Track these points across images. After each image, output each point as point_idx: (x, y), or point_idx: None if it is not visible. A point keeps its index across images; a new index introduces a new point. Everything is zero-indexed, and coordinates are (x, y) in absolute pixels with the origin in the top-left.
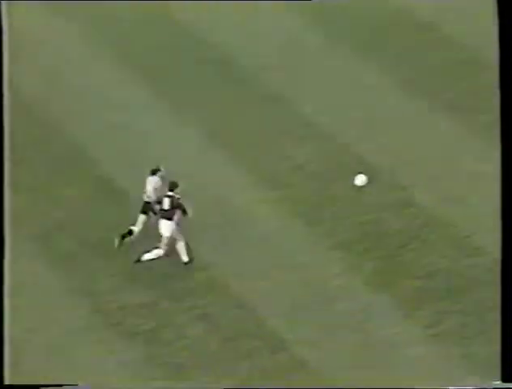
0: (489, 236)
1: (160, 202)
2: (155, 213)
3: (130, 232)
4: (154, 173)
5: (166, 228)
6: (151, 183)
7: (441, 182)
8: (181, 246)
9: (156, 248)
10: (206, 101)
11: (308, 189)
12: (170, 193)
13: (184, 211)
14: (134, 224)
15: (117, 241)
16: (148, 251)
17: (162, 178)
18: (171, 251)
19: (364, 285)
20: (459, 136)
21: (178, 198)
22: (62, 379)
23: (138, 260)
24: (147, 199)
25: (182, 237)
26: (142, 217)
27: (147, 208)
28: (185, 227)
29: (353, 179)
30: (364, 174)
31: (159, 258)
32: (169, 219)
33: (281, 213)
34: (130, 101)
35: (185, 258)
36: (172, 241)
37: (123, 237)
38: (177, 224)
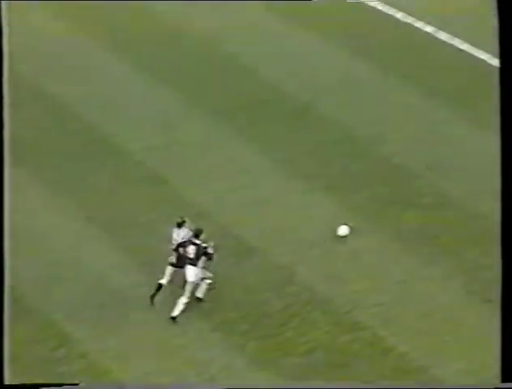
0: (369, 310)
1: (184, 247)
2: (181, 266)
3: (160, 287)
4: (180, 225)
5: (191, 274)
6: (180, 236)
7: (322, 259)
8: (202, 288)
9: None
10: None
11: None
12: (196, 240)
13: (209, 258)
14: (162, 278)
15: (150, 301)
16: (175, 304)
17: (188, 230)
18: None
19: (247, 364)
20: None
21: (204, 247)
22: (62, 379)
23: (173, 318)
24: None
25: (206, 280)
26: (169, 269)
27: (178, 261)
28: None
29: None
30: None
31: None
32: (194, 265)
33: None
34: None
35: (199, 295)
36: (195, 286)
37: (153, 295)
38: (202, 270)
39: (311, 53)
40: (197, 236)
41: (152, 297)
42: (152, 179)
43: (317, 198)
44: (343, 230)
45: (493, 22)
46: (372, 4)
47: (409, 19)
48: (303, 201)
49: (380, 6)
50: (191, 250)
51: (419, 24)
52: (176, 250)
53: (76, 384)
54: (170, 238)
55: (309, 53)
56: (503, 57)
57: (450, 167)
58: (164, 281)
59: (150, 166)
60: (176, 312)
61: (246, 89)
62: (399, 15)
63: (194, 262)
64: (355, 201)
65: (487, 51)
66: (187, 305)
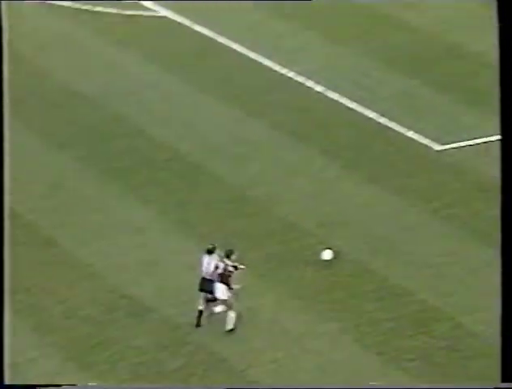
0: (264, 367)
1: (216, 267)
2: (211, 292)
3: (201, 314)
4: (210, 252)
5: (222, 291)
6: (211, 263)
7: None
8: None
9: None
10: None
11: None
12: (227, 261)
13: (235, 268)
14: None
15: (196, 326)
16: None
17: (218, 256)
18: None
19: None
20: None
21: (234, 266)
22: (61, 380)
23: (231, 330)
24: (206, 276)
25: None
26: (203, 295)
27: (205, 285)
28: None
29: None
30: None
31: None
32: (225, 283)
33: None
34: None
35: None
36: (228, 304)
37: (198, 321)
38: (232, 289)
39: (204, 112)
40: (228, 256)
41: (197, 323)
42: (43, 241)
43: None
44: (327, 254)
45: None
46: (266, 63)
47: (300, 78)
48: (197, 259)
49: (273, 65)
50: (221, 267)
51: (309, 83)
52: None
53: (74, 385)
54: (200, 264)
55: (202, 112)
56: (503, 55)
57: (343, 223)
58: (201, 307)
59: (40, 227)
60: (230, 326)
61: (139, 148)
62: (291, 74)
63: (224, 280)
64: (250, 260)
65: (375, 110)
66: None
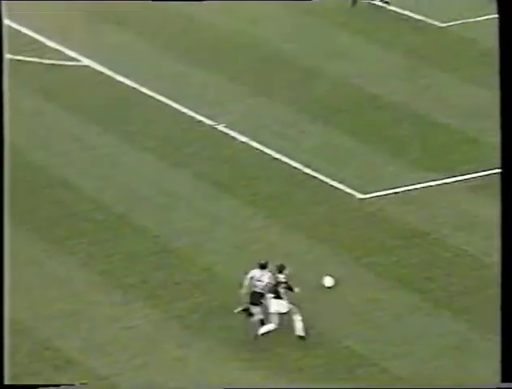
0: None
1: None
2: (260, 304)
3: (251, 314)
4: (263, 267)
5: (276, 306)
6: (264, 277)
7: (143, 369)
8: (297, 319)
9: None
10: None
11: None
12: (279, 275)
13: (290, 289)
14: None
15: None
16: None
17: (271, 271)
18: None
19: None
20: None
21: (285, 282)
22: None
23: (302, 336)
24: (257, 290)
25: (295, 311)
26: (255, 310)
27: (255, 299)
28: None
29: None
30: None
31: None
32: (278, 297)
33: None
34: None
35: (299, 333)
36: (285, 317)
37: (246, 310)
38: (286, 301)
39: (128, 163)
40: (280, 271)
41: (256, 336)
42: None
43: (137, 309)
44: (328, 281)
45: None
46: (190, 113)
47: (224, 129)
48: (123, 312)
49: (197, 116)
50: (272, 284)
51: (233, 134)
52: (257, 293)
53: (72, 384)
54: (251, 279)
55: (125, 163)
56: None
57: None
58: (261, 316)
59: None
60: (301, 332)
61: (62, 200)
62: (215, 124)
63: (277, 294)
64: (175, 311)
65: (299, 160)
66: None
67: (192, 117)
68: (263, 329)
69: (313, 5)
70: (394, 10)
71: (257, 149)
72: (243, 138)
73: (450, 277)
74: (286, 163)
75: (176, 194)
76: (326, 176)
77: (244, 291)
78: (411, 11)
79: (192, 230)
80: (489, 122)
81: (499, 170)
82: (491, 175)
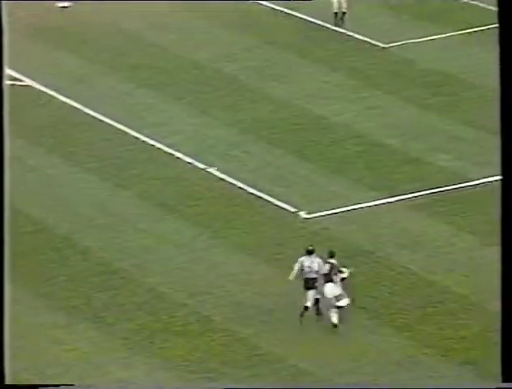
0: None
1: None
2: (314, 288)
3: (306, 309)
4: (311, 252)
5: (330, 290)
6: (314, 263)
7: None
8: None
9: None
10: None
11: None
12: (330, 260)
13: (340, 272)
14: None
15: (300, 321)
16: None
17: (319, 256)
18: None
19: None
20: None
21: (337, 266)
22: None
23: (335, 325)
24: (310, 276)
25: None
26: (310, 293)
27: (311, 284)
28: None
29: None
30: None
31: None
32: (331, 281)
33: None
34: None
35: (334, 321)
36: (335, 301)
37: (302, 316)
38: (339, 285)
39: (71, 184)
40: (332, 256)
41: (301, 317)
42: None
43: (81, 331)
44: (342, 302)
45: None
46: (134, 134)
47: (168, 149)
48: (66, 334)
49: (141, 137)
50: (326, 267)
51: (178, 154)
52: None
53: (72, 385)
54: (301, 267)
55: (69, 184)
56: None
57: (213, 293)
58: (309, 304)
59: None
60: (335, 320)
61: (6, 220)
62: (159, 145)
63: (330, 279)
64: (119, 332)
65: (242, 181)
66: None
67: (137, 138)
68: (335, 318)
69: (256, 26)
70: (337, 31)
71: (201, 169)
72: (188, 159)
73: (393, 295)
74: (231, 183)
75: (120, 214)
76: (271, 196)
77: (292, 277)
78: (354, 32)
79: (136, 251)
80: (430, 143)
81: (499, 176)
82: (432, 194)
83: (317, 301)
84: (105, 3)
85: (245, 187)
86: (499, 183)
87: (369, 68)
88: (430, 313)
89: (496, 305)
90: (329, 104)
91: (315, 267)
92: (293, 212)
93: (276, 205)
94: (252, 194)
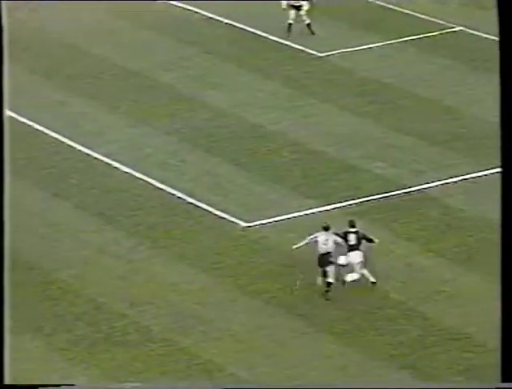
0: None
1: (345, 239)
2: (331, 262)
3: (329, 285)
4: (327, 229)
5: (356, 257)
6: (329, 239)
7: None
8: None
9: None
10: None
11: None
12: (353, 229)
13: (370, 241)
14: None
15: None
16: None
17: (335, 233)
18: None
19: None
20: None
21: (362, 233)
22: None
23: (344, 281)
24: (323, 252)
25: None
26: (330, 269)
27: (327, 259)
28: None
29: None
30: None
31: (355, 280)
32: (357, 249)
33: None
34: None
35: (372, 279)
36: (361, 267)
37: (327, 291)
38: (364, 253)
39: (6, 193)
40: (353, 226)
41: (326, 292)
42: None
43: (19, 342)
44: (351, 276)
45: None
46: (69, 143)
47: (105, 159)
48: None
49: (76, 146)
50: (352, 238)
51: (115, 164)
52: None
53: (73, 385)
54: (315, 243)
55: (6, 193)
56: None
57: (153, 303)
58: (331, 279)
59: None
60: (372, 278)
61: None
62: (96, 155)
63: (356, 247)
64: (58, 343)
65: (182, 190)
66: None
67: (73, 147)
68: (350, 277)
69: (193, 34)
70: (272, 40)
71: (139, 179)
72: (125, 169)
73: (332, 302)
74: (169, 192)
75: (58, 224)
76: (210, 205)
77: (296, 246)
78: (290, 40)
79: (75, 261)
80: (366, 150)
81: (499, 170)
82: (369, 201)
83: (325, 273)
84: (40, 11)
85: (184, 196)
86: (438, 189)
87: (305, 77)
88: (369, 319)
89: (433, 311)
90: (265, 113)
91: (329, 243)
92: (232, 221)
93: (215, 214)
94: (191, 203)
